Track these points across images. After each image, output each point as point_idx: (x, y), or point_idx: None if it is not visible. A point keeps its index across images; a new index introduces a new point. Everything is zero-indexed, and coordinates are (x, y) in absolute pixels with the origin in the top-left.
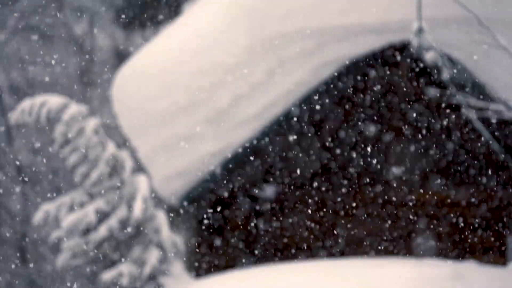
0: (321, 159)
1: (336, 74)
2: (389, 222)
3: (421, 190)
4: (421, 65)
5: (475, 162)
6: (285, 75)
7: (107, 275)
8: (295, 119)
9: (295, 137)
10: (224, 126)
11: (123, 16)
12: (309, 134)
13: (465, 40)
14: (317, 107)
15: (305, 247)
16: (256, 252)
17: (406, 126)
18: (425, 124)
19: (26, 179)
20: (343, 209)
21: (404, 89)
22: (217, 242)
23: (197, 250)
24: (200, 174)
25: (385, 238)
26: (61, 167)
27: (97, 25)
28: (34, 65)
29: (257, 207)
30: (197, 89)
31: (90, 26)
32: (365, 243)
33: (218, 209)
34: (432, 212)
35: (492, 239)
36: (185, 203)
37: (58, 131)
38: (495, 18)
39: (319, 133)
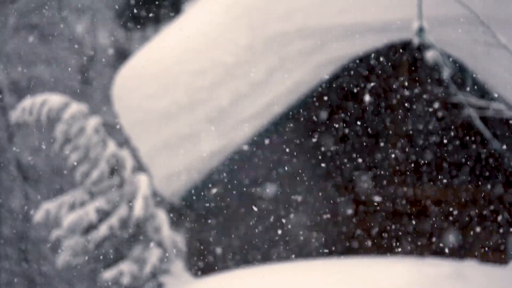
0: (321, 158)
1: (336, 73)
2: (390, 221)
3: (421, 189)
4: (422, 64)
5: (476, 161)
6: (286, 74)
7: (108, 274)
8: (295, 118)
9: (295, 136)
10: (224, 125)
11: (123, 15)
12: (310, 133)
13: (466, 39)
14: (318, 106)
15: (305, 247)
16: (256, 252)
17: (407, 125)
18: (426, 123)
19: (26, 178)
20: (344, 208)
21: (405, 88)
22: (218, 241)
23: (198, 249)
24: (200, 173)
25: (385, 237)
26: (62, 166)
27: (97, 24)
28: (35, 64)
29: (258, 206)
30: (198, 88)
31: (91, 25)
32: (365, 242)
33: (219, 208)
34: (432, 211)
35: (493, 238)
36: (186, 202)
37: (59, 130)
38: (495, 17)
39: (319, 132)
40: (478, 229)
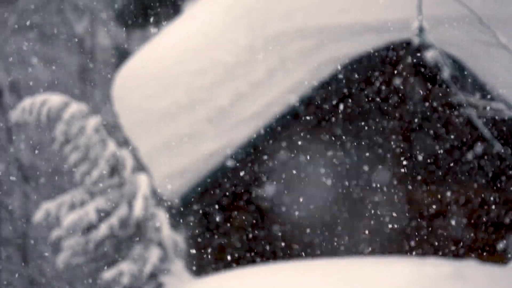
0: (322, 158)
1: (336, 73)
2: (390, 221)
3: (421, 189)
4: (422, 64)
5: (476, 161)
6: (286, 74)
7: (108, 274)
8: (295, 118)
9: (295, 136)
10: (224, 125)
11: (123, 15)
12: (310, 133)
13: (466, 39)
14: (317, 106)
15: (306, 247)
16: (256, 251)
17: (407, 125)
18: (426, 123)
19: (26, 178)
20: (344, 208)
21: (405, 88)
22: (218, 241)
23: (198, 249)
24: (200, 173)
25: (385, 237)
26: (62, 166)
27: (97, 24)
28: (35, 64)
29: (258, 206)
30: (198, 88)
31: (91, 25)
32: (365, 242)
33: (219, 208)
34: (432, 211)
35: (493, 238)
36: (186, 202)
37: (59, 130)
38: (495, 17)
39: (319, 132)
40: (478, 229)
